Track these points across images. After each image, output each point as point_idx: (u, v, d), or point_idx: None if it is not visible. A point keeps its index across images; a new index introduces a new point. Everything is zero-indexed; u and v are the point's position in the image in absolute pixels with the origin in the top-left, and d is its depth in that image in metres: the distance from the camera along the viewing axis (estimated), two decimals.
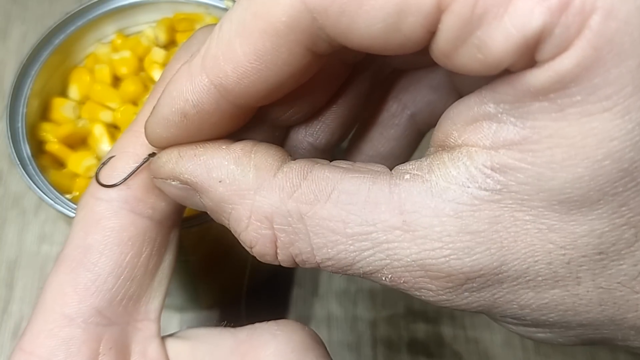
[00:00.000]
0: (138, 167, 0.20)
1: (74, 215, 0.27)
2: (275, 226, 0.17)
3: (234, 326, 0.21)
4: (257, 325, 0.21)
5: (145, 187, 0.20)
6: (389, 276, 0.17)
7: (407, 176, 0.17)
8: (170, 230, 0.21)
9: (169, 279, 0.22)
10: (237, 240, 0.19)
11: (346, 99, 0.22)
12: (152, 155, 0.20)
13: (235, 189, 0.18)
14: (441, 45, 0.15)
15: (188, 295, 0.40)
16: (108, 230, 0.20)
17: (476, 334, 0.42)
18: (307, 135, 0.23)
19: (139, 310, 0.21)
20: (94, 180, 0.20)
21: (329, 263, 0.17)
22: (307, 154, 0.23)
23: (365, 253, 0.17)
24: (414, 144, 0.25)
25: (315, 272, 0.44)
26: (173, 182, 0.19)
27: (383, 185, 0.17)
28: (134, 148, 0.20)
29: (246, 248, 0.18)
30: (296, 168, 0.18)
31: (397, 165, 0.23)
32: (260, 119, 0.21)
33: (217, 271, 0.38)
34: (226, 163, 0.18)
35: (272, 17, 0.15)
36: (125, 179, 0.20)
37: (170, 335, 0.21)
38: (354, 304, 0.43)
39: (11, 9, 0.53)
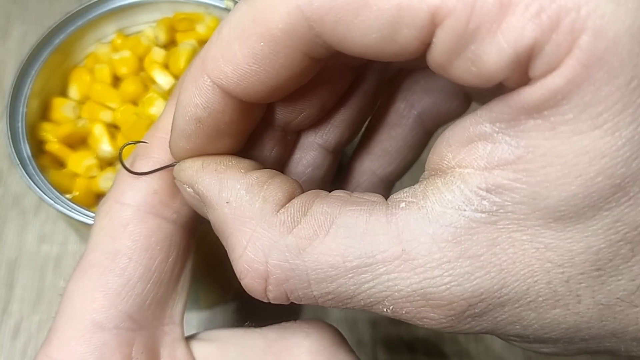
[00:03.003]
0: (169, 166, 0.20)
1: (74, 215, 0.27)
2: (270, 262, 0.17)
3: (256, 326, 0.21)
4: (285, 324, 0.21)
5: (171, 192, 0.20)
6: (390, 307, 0.17)
7: (403, 204, 0.17)
8: (192, 235, 0.22)
9: (190, 283, 0.22)
10: None
11: (353, 101, 0.23)
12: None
13: (238, 214, 0.18)
14: (436, 56, 0.15)
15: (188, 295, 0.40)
16: (136, 235, 0.20)
17: (477, 337, 0.42)
18: (317, 137, 0.23)
19: (165, 314, 0.21)
20: (116, 185, 0.20)
21: (328, 297, 0.17)
22: (317, 156, 0.23)
23: (365, 286, 0.17)
24: (422, 143, 0.25)
25: None
26: (188, 189, 0.19)
27: (380, 215, 0.17)
28: (159, 154, 0.20)
29: (238, 278, 0.18)
30: (297, 204, 0.18)
31: (403, 168, 0.23)
32: (272, 124, 0.21)
33: (218, 271, 0.37)
34: (238, 187, 0.18)
35: (269, 23, 0.16)
36: (156, 170, 0.20)
37: (192, 338, 0.21)
38: None
39: (11, 9, 0.53)
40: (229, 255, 0.18)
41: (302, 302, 0.18)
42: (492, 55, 0.14)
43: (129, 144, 0.21)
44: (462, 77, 0.15)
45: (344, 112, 0.23)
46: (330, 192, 0.19)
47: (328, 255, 0.17)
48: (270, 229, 0.17)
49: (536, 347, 0.18)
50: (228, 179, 0.18)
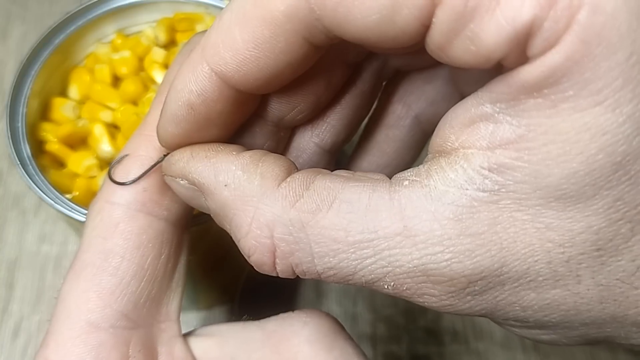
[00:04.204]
0: (154, 166, 0.20)
1: (74, 215, 0.27)
2: (275, 235, 0.17)
3: (254, 320, 0.21)
4: (283, 315, 0.21)
5: (160, 189, 0.20)
6: (392, 284, 0.17)
7: (406, 182, 0.17)
8: (183, 232, 0.22)
9: (184, 280, 0.22)
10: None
11: (349, 100, 0.23)
12: (168, 154, 0.20)
13: (239, 195, 0.18)
14: (436, 38, 0.15)
15: (187, 295, 0.40)
16: (127, 233, 0.20)
17: (476, 334, 0.42)
18: (313, 136, 0.23)
19: (160, 312, 0.21)
20: (106, 185, 0.20)
21: (331, 273, 0.17)
22: (314, 155, 0.23)
23: (367, 261, 0.17)
24: (420, 145, 0.25)
25: None
26: (182, 181, 0.19)
27: (383, 192, 0.17)
28: (146, 151, 0.20)
29: (245, 256, 0.18)
30: (299, 178, 0.18)
31: (400, 169, 0.23)
32: (264, 119, 0.21)
33: (217, 271, 0.38)
34: (234, 168, 0.18)
35: (271, 6, 0.16)
36: (141, 176, 0.20)
37: (190, 334, 0.22)
38: (354, 303, 0.43)
39: (11, 9, 0.53)
40: (234, 236, 0.18)
41: (306, 277, 0.18)
42: (491, 33, 0.14)
43: (116, 162, 0.21)
44: (461, 58, 0.15)
45: (340, 111, 0.23)
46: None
47: (331, 230, 0.17)
48: (272, 204, 0.17)
49: (536, 333, 0.18)
50: (222, 163, 0.18)
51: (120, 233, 0.20)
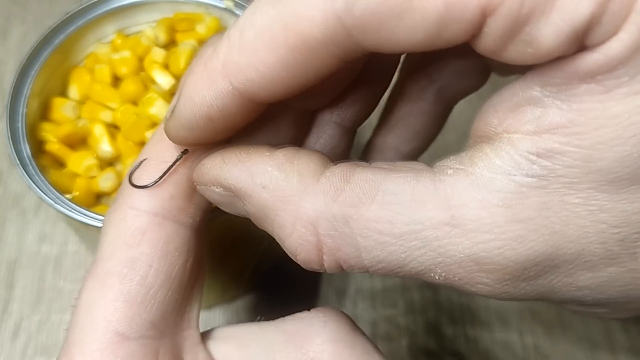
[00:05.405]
0: (172, 166, 0.20)
1: (74, 215, 0.27)
2: (320, 232, 0.17)
3: (267, 320, 0.21)
4: (300, 315, 0.21)
5: (187, 196, 0.20)
6: (442, 274, 0.17)
7: (450, 171, 0.16)
8: (201, 238, 0.21)
9: (202, 286, 0.21)
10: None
11: (370, 77, 0.22)
12: (185, 152, 0.20)
13: (279, 195, 0.18)
14: (487, 44, 0.15)
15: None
16: (155, 242, 0.19)
17: (476, 334, 0.42)
18: (334, 116, 0.23)
19: (183, 320, 0.20)
20: (127, 192, 0.20)
21: (379, 266, 0.17)
22: (335, 135, 0.23)
23: (416, 253, 0.16)
24: (444, 118, 0.25)
25: (314, 272, 0.44)
26: (216, 189, 0.19)
27: (427, 182, 0.17)
28: (171, 158, 0.20)
29: (291, 256, 0.18)
30: (338, 172, 0.17)
31: (427, 141, 0.22)
32: (288, 107, 0.21)
33: (218, 270, 0.37)
34: (270, 169, 0.18)
35: (304, 32, 0.15)
36: (161, 177, 0.20)
37: (208, 337, 0.21)
38: (354, 304, 0.43)
39: (11, 9, 0.53)
40: (277, 237, 0.18)
41: (354, 271, 0.18)
42: (549, 34, 0.14)
43: (135, 168, 0.20)
44: (515, 59, 0.15)
45: (361, 89, 0.22)
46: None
47: (376, 223, 0.17)
48: (314, 200, 0.17)
49: (593, 310, 0.18)
50: (256, 165, 0.18)
51: (147, 241, 0.19)
